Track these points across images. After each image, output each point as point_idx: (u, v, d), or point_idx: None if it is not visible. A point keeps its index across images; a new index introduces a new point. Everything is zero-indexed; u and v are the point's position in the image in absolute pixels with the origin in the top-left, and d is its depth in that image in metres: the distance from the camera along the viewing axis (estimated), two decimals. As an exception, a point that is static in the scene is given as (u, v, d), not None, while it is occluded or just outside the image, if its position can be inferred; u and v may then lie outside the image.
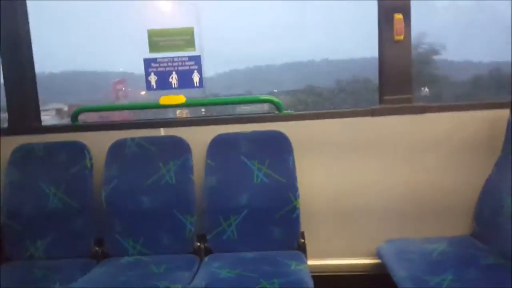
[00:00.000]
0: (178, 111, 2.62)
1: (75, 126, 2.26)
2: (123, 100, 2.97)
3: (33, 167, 2.09)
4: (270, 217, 1.95)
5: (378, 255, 1.93)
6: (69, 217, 2.01)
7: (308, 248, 1.95)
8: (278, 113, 2.18)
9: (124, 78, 3.00)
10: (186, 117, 2.25)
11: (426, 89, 2.61)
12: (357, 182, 2.11)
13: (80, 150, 2.08)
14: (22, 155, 2.12)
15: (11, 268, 1.95)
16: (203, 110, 2.71)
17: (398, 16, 2.01)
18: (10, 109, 2.27)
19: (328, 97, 3.17)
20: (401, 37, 2.03)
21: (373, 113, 2.09)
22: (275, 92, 3.10)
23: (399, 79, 2.08)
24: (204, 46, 2.25)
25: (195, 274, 1.76)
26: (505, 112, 1.92)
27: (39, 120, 2.32)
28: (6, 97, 2.26)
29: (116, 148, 2.08)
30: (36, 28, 2.34)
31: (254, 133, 2.08)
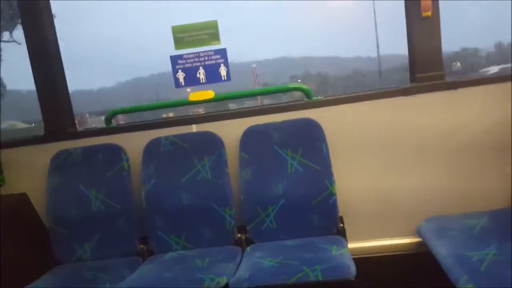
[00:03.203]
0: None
1: (109, 129, 2.29)
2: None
3: (73, 172, 2.15)
4: (307, 204, 1.96)
5: (418, 233, 1.92)
6: (112, 218, 2.06)
7: (347, 232, 1.96)
8: (307, 100, 2.17)
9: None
10: (217, 112, 2.25)
11: (458, 64, 2.55)
12: (393, 162, 2.09)
13: (116, 152, 2.12)
14: (61, 161, 2.17)
15: (62, 271, 2.01)
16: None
17: None
18: (45, 117, 2.31)
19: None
20: (429, 13, 1.98)
21: (405, 92, 2.06)
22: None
23: (429, 56, 2.04)
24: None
25: (239, 265, 1.79)
26: None
27: (74, 126, 2.36)
28: (40, 105, 2.29)
29: (151, 148, 2.12)
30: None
31: (285, 122, 2.08)
